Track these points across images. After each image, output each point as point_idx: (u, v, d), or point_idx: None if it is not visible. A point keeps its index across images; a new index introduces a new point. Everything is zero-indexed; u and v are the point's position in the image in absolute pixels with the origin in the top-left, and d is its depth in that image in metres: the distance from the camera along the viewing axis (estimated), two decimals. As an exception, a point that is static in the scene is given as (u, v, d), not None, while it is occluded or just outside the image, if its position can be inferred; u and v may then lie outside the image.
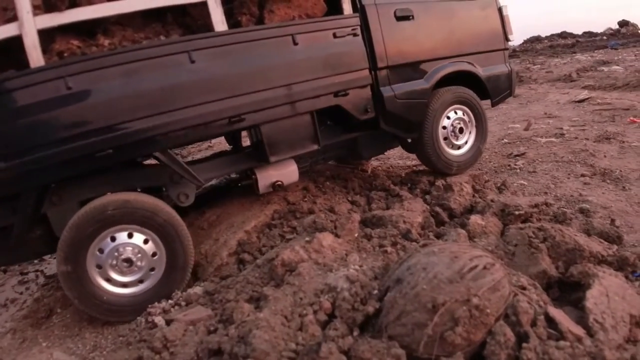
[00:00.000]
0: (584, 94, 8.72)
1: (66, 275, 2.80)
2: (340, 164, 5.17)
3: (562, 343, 1.86)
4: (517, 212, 3.28)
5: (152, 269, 3.02)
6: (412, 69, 4.00)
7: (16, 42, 2.67)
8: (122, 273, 2.95)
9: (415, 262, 2.13)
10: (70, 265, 2.80)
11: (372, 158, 5.43)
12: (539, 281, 2.45)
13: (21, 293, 3.87)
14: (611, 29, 23.89)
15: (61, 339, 2.92)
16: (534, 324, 1.98)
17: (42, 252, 3.38)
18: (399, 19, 3.89)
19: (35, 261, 4.32)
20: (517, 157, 5.39)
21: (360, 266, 2.56)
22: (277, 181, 3.63)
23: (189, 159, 7.36)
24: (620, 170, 4.57)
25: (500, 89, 4.59)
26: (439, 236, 3.27)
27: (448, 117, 4.28)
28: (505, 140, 6.24)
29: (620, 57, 13.96)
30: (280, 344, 2.03)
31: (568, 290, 2.46)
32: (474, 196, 3.96)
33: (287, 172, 3.69)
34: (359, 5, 3.71)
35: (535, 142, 5.94)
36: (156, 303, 2.90)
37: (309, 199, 4.00)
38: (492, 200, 3.67)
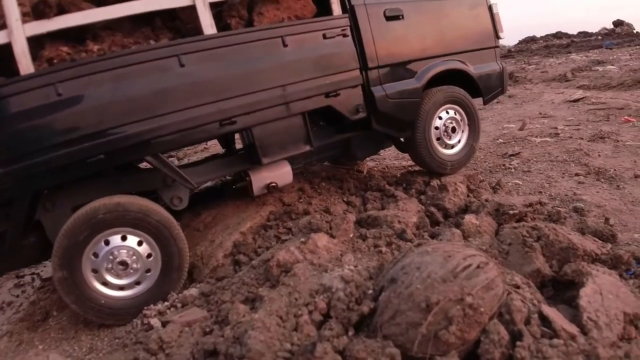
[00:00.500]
0: (579, 93, 8.76)
1: (62, 281, 2.80)
2: (336, 165, 5.18)
3: (555, 341, 1.87)
4: (511, 212, 3.29)
5: (148, 271, 3.01)
6: (403, 68, 4.00)
7: (5, 50, 2.65)
8: (118, 276, 2.94)
9: (409, 262, 2.14)
10: (65, 271, 2.79)
11: (367, 158, 5.44)
12: (532, 280, 2.46)
13: (17, 296, 3.86)
14: (606, 29, 24.02)
15: (57, 342, 2.92)
16: (527, 322, 1.99)
17: (37, 258, 3.37)
18: (389, 18, 3.90)
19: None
20: (512, 157, 5.42)
21: (355, 266, 2.57)
22: (271, 183, 3.64)
23: (185, 161, 7.35)
24: (615, 169, 4.59)
25: (492, 87, 4.60)
26: (433, 236, 3.28)
27: (440, 117, 4.28)
28: (500, 140, 6.26)
29: (615, 56, 14.04)
30: (276, 344, 2.03)
31: (562, 289, 2.48)
32: (468, 196, 3.98)
33: (281, 174, 3.70)
34: (348, 6, 3.72)
35: (530, 141, 5.96)
36: (152, 305, 2.90)
37: (305, 200, 4.00)
38: (486, 200, 3.68)
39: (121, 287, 2.96)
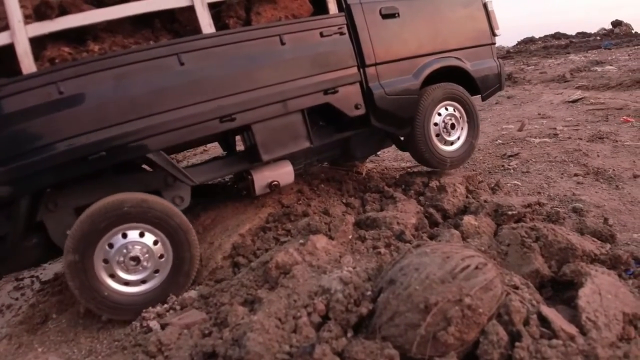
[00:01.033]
0: (578, 94, 8.76)
1: (72, 264, 2.81)
2: (335, 166, 5.18)
3: (554, 342, 1.87)
4: (510, 212, 3.29)
5: (157, 271, 3.03)
6: (400, 65, 4.04)
7: (8, 50, 2.69)
8: (127, 271, 2.96)
9: (407, 263, 2.14)
10: (78, 255, 2.81)
11: (366, 160, 5.44)
12: (531, 280, 2.47)
13: (16, 299, 3.86)
14: (604, 29, 24.02)
15: (57, 344, 2.92)
16: (526, 323, 1.99)
17: (39, 260, 3.38)
18: (385, 17, 3.95)
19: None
20: (511, 158, 5.42)
21: (354, 268, 2.57)
22: (273, 181, 3.65)
23: (185, 163, 7.35)
24: (614, 170, 4.59)
25: (490, 84, 4.63)
26: (432, 237, 3.28)
27: (439, 114, 4.30)
28: (499, 141, 6.26)
29: (613, 57, 14.04)
30: (274, 346, 2.03)
31: (561, 289, 2.48)
32: (467, 197, 3.98)
33: (283, 173, 3.72)
34: (344, 5, 3.77)
35: (528, 142, 5.96)
36: (150, 307, 2.89)
37: (304, 202, 4.00)
38: (485, 201, 3.68)
39: (127, 283, 2.97)
